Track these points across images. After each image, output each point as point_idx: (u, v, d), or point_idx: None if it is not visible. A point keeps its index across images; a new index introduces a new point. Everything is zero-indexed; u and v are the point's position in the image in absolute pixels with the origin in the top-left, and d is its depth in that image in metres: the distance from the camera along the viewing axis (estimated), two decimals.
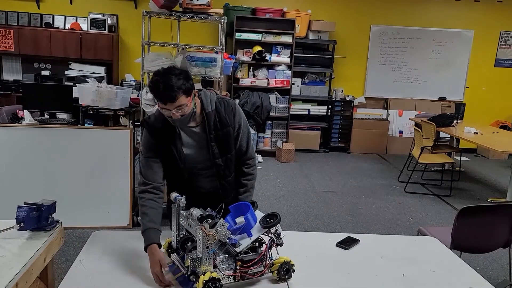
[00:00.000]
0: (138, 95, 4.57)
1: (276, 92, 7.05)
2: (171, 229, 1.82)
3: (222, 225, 1.63)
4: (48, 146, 3.80)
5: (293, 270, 1.73)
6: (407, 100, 7.77)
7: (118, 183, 3.91)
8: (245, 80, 6.89)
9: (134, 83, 6.27)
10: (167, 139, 1.94)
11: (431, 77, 7.78)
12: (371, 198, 5.18)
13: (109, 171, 3.89)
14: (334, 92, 7.49)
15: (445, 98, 7.85)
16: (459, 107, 7.80)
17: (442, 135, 6.37)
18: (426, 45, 7.68)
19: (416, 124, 5.98)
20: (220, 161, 2.01)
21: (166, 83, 1.75)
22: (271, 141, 7.12)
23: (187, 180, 2.02)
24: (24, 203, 1.84)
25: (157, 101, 1.81)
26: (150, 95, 3.76)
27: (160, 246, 1.79)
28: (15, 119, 4.10)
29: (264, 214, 1.78)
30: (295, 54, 6.97)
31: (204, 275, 1.57)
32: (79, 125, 4.05)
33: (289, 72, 6.97)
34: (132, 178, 3.94)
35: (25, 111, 3.98)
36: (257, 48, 6.81)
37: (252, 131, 2.09)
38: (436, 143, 5.91)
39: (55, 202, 1.94)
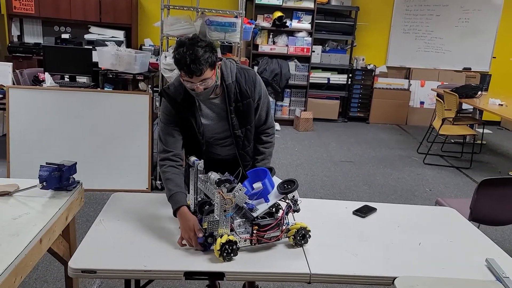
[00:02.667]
0: (157, 60, 4.55)
1: (296, 60, 6.95)
2: (188, 193, 1.84)
3: (240, 190, 1.64)
4: (68, 108, 3.84)
5: (309, 236, 1.74)
6: (430, 70, 7.58)
7: (137, 147, 3.95)
8: (264, 46, 6.79)
9: (152, 48, 6.23)
10: (186, 109, 1.92)
11: (456, 46, 7.54)
12: (388, 169, 5.15)
13: (128, 135, 3.93)
14: (355, 60, 7.34)
15: (469, 69, 7.62)
16: (485, 78, 7.56)
17: (464, 106, 6.22)
18: (453, 12, 7.41)
19: (438, 95, 5.84)
20: (239, 133, 1.99)
21: (193, 56, 1.68)
22: (289, 109, 7.07)
23: (205, 149, 2.01)
24: (46, 163, 1.88)
25: (181, 73, 1.76)
26: (169, 60, 3.74)
27: (189, 208, 1.79)
28: (37, 82, 4.14)
29: (281, 180, 1.78)
30: (316, 21, 6.81)
31: (221, 237, 1.59)
32: (99, 88, 4.06)
33: (309, 39, 6.83)
34: (151, 143, 3.98)
35: (46, 73, 4.01)
36: (278, 14, 6.67)
37: (270, 99, 2.09)
38: (458, 114, 5.78)
39: (76, 163, 1.97)
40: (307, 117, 6.64)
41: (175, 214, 1.78)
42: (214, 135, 2.01)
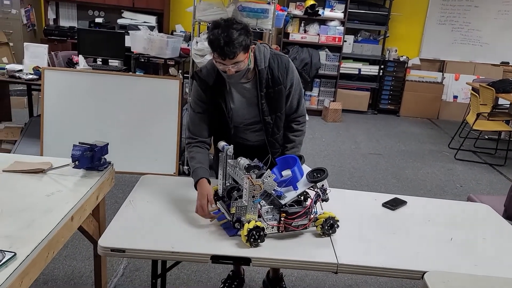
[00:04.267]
0: (188, 45, 4.56)
1: (327, 49, 6.85)
2: (217, 178, 1.84)
3: (269, 176, 1.64)
4: (100, 91, 3.90)
5: (338, 226, 1.72)
6: (466, 64, 7.34)
7: (166, 132, 3.98)
8: (295, 35, 6.72)
9: (184, 34, 6.25)
10: (217, 93, 1.91)
11: (494, 39, 7.27)
12: (418, 163, 5.05)
13: (157, 119, 3.96)
14: (388, 51, 7.18)
15: (508, 63, 7.33)
16: None
17: (501, 101, 6.00)
18: (492, 4, 7.13)
19: (474, 89, 5.66)
20: (269, 119, 1.98)
21: (228, 38, 1.67)
22: (318, 99, 7.00)
23: (234, 134, 2.01)
24: (79, 143, 1.91)
25: (214, 55, 1.75)
26: (200, 46, 3.74)
27: (209, 182, 1.82)
28: (71, 64, 4.22)
29: (311, 169, 1.76)
30: (349, 10, 6.68)
31: (248, 223, 1.59)
32: (130, 72, 4.11)
33: (341, 28, 6.72)
34: (180, 128, 4.01)
35: (80, 56, 4.07)
36: (310, 2, 6.57)
37: None
38: (494, 110, 5.58)
39: (108, 144, 2.00)
40: (336, 108, 6.57)
41: (195, 187, 1.82)
42: (244, 120, 2.00)
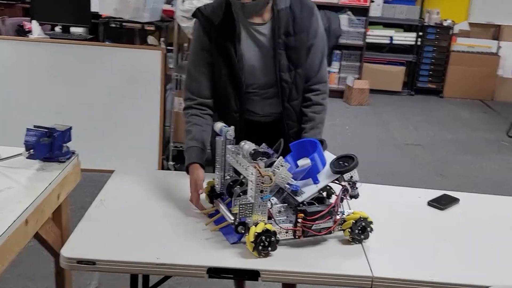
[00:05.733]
0: (172, 6, 4.52)
1: (349, 12, 6.87)
2: (214, 171, 1.84)
3: (281, 165, 1.60)
4: (60, 66, 3.90)
5: (371, 230, 1.70)
6: None
7: (145, 118, 3.98)
8: None
9: None
10: (224, 36, 1.96)
11: None
12: (469, 155, 5.11)
13: (134, 102, 3.96)
14: (427, 14, 7.20)
15: None
16: None
17: None
18: None
19: None
20: (286, 76, 2.00)
21: None
22: (339, 77, 7.03)
23: (238, 105, 2.04)
24: (35, 126, 1.89)
25: None
26: (188, 5, 3.71)
27: (203, 166, 1.89)
28: (21, 32, 4.21)
29: (335, 156, 1.74)
30: None
31: (256, 226, 1.56)
32: (98, 42, 4.10)
33: None
34: (163, 113, 4.00)
35: (33, 22, 4.06)
36: None
37: None
38: None
39: (70, 128, 1.99)
40: (362, 88, 6.60)
41: (187, 171, 1.90)
42: (255, 81, 2.02)
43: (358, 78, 6.88)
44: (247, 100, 2.04)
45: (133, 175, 2.11)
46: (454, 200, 2.08)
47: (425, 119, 6.20)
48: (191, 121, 2.01)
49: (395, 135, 5.54)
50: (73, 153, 2.01)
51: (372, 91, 6.86)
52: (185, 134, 2.02)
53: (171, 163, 4.12)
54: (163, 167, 4.09)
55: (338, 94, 6.85)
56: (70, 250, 1.52)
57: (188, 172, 1.89)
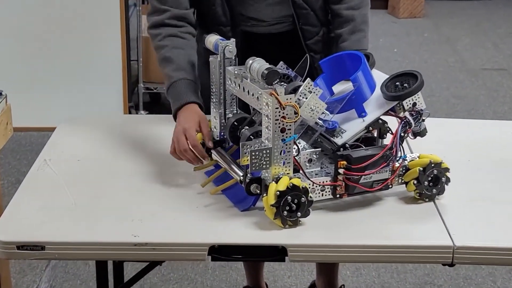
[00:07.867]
0: None
1: None
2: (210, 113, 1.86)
3: (310, 92, 1.58)
4: None
5: (448, 180, 1.69)
6: None
7: (100, 49, 4.04)
8: None
9: None
10: None
11: None
12: None
13: (83, 26, 4.02)
14: None
15: None
16: None
17: None
18: None
19: None
20: None
21: None
22: None
23: (228, 15, 2.06)
24: None
25: None
26: None
27: (202, 107, 1.89)
28: None
29: (388, 76, 1.74)
30: None
31: (277, 182, 1.54)
32: None
33: None
34: (126, 40, 4.03)
35: None
36: None
37: None
38: None
39: None
40: None
41: (175, 116, 1.87)
42: None
43: None
44: (243, 3, 2.06)
45: (88, 124, 2.23)
46: None
47: (509, 32, 6.27)
48: (167, 44, 1.97)
49: (465, 57, 5.61)
50: (0, 93, 2.02)
51: None
52: (161, 65, 1.99)
53: (142, 112, 4.14)
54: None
55: (380, 3, 6.95)
56: (6, 231, 1.53)
57: (175, 119, 1.87)
